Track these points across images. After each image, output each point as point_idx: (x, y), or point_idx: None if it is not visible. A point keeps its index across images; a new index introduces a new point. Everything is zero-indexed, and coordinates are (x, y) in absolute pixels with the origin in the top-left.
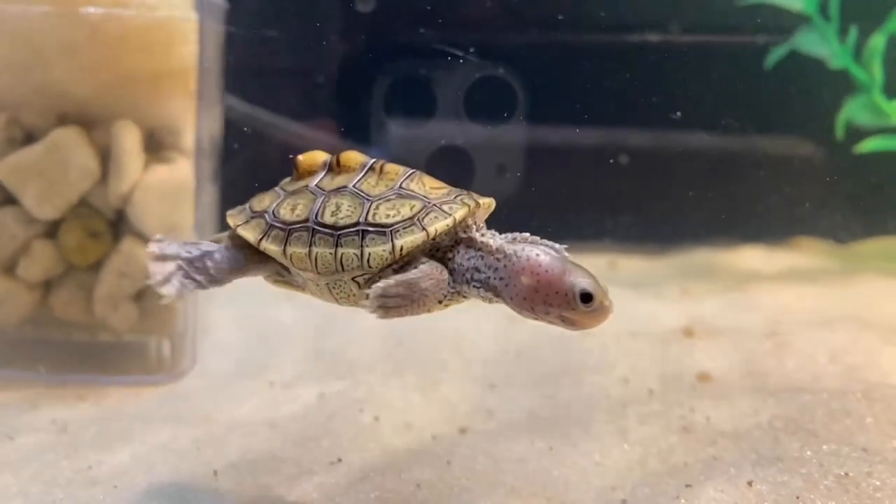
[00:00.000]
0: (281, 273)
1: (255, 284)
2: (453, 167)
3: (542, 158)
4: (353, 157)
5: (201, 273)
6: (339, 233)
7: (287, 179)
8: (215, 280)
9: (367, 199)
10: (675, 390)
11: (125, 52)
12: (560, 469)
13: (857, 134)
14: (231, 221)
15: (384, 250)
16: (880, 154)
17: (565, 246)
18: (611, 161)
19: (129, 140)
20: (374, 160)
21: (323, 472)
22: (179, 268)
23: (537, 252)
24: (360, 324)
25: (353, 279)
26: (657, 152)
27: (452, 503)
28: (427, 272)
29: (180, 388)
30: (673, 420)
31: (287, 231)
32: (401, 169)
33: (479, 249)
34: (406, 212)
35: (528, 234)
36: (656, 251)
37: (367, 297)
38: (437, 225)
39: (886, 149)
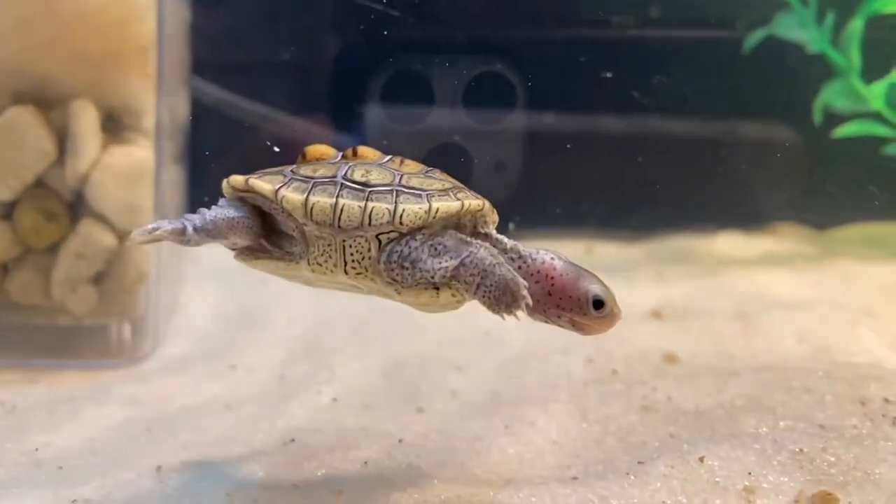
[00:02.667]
0: (268, 247)
1: (224, 271)
2: (427, 155)
3: (522, 146)
4: (370, 150)
5: (186, 220)
6: (370, 189)
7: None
8: (200, 228)
9: (397, 172)
10: (639, 371)
11: (80, 29)
12: (515, 447)
13: (835, 119)
14: (237, 180)
15: (420, 208)
16: (858, 139)
17: None
18: (589, 148)
19: (86, 120)
20: (391, 155)
21: (273, 451)
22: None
23: (552, 256)
24: (327, 309)
25: (376, 236)
26: (636, 139)
27: (398, 479)
28: (490, 249)
29: (140, 371)
30: (634, 399)
31: (311, 183)
32: (420, 164)
33: (494, 246)
34: (438, 186)
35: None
36: (634, 237)
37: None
38: (471, 201)
39: (864, 133)
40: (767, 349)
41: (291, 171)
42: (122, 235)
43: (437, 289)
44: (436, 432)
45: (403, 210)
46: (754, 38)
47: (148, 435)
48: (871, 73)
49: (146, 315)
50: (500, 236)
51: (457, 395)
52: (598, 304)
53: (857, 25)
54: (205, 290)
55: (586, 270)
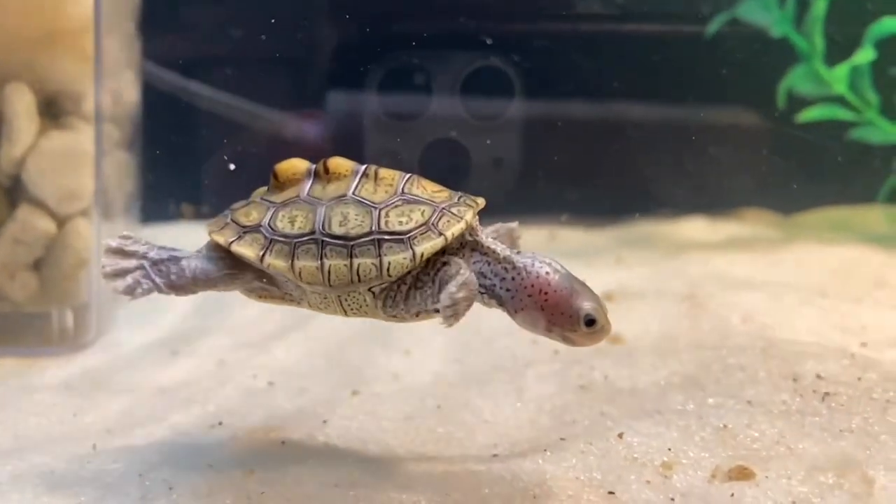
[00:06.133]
0: (266, 287)
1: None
2: (397, 143)
3: (490, 133)
4: (341, 163)
5: (162, 276)
6: (352, 243)
7: (263, 189)
8: (176, 286)
9: (374, 207)
10: (579, 351)
11: (11, 10)
12: (446, 427)
13: (800, 103)
14: (220, 238)
15: (404, 258)
16: (823, 123)
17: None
18: (553, 135)
19: (20, 103)
20: (365, 166)
21: (198, 434)
22: (140, 267)
23: (547, 270)
24: None
25: (368, 289)
26: (602, 125)
27: (312, 459)
28: (459, 264)
29: (80, 358)
30: (571, 379)
31: (292, 245)
32: (396, 173)
33: (485, 254)
34: (418, 217)
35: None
36: (599, 223)
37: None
38: (453, 229)
39: (827, 117)
40: (712, 329)
41: (269, 224)
42: (60, 221)
43: (438, 310)
44: (364, 414)
45: (389, 262)
46: (718, 20)
47: (74, 420)
48: (834, 56)
49: (89, 302)
50: (492, 244)
51: (398, 378)
52: (591, 322)
53: (819, 8)
54: None
55: (580, 283)
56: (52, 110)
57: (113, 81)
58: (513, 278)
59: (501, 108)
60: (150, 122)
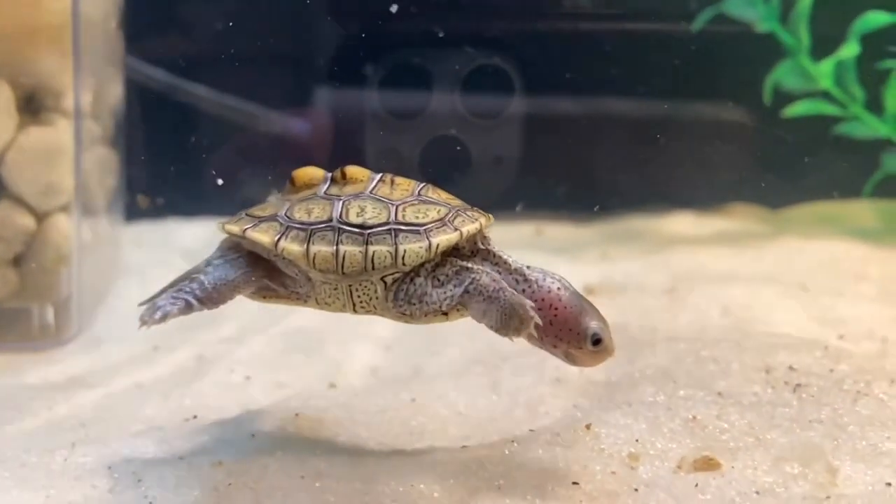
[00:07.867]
0: (273, 287)
1: (168, 258)
2: (398, 140)
3: (476, 128)
4: (358, 170)
5: (188, 294)
6: (368, 231)
7: (277, 194)
8: (203, 300)
9: (391, 203)
10: None
11: None
12: (418, 419)
13: (787, 98)
14: (235, 227)
15: (420, 247)
16: (810, 118)
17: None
18: (541, 130)
19: None
20: (381, 174)
21: (171, 427)
22: (165, 297)
23: (558, 286)
24: None
25: (381, 279)
26: (588, 120)
27: (279, 451)
28: (491, 275)
29: (60, 354)
30: (547, 372)
31: (308, 231)
32: (412, 181)
33: (496, 264)
34: (434, 214)
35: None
36: (586, 219)
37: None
38: (469, 227)
39: (813, 112)
40: (690, 322)
41: (286, 214)
42: (40, 216)
43: (446, 314)
44: (338, 406)
45: (405, 251)
46: (703, 15)
47: (49, 414)
48: (819, 51)
49: (70, 298)
50: (503, 254)
51: (377, 372)
52: (597, 341)
53: (804, 3)
54: (146, 275)
55: (588, 303)
56: (32, 106)
57: (94, 77)
58: (523, 290)
59: (501, 106)
60: (133, 119)
